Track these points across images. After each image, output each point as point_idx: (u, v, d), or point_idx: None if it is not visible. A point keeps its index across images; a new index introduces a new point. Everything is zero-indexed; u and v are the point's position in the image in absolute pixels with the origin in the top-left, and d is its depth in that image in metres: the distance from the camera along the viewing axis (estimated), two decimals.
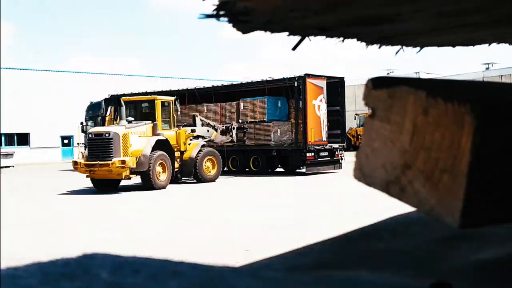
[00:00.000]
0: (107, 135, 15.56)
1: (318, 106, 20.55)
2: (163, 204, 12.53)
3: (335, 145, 21.29)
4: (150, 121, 16.76)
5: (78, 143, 33.61)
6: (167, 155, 16.36)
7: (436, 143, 1.07)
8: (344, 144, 22.13)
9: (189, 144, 17.73)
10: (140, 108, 17.78)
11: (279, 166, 21.89)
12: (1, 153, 33.03)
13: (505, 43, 2.18)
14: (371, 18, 1.56)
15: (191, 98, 24.06)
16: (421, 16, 1.58)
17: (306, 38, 1.67)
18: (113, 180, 15.93)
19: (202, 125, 19.05)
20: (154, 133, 16.43)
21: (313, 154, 20.31)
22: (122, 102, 17.41)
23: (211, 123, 19.85)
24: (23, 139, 43.23)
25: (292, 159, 20.87)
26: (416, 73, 48.69)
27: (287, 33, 1.61)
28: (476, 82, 1.45)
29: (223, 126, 19.88)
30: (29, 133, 43.44)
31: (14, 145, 42.37)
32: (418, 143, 1.10)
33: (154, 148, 15.89)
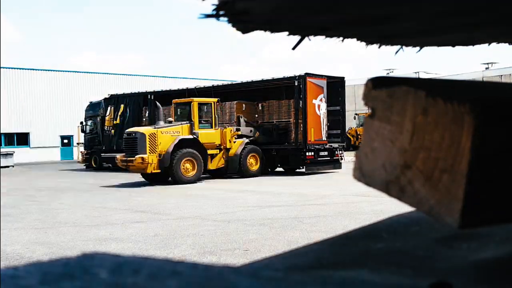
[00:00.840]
0: (133, 134, 17.83)
1: (318, 105, 20.55)
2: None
3: (335, 145, 21.28)
4: (186, 122, 18.59)
5: (78, 143, 33.63)
6: (198, 153, 17.99)
7: (435, 143, 1.07)
8: (344, 144, 22.13)
9: (234, 142, 19.55)
10: (183, 109, 19.52)
11: (279, 165, 21.89)
12: (1, 153, 33.01)
13: (505, 43, 2.18)
14: (371, 18, 1.56)
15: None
16: (420, 16, 1.58)
17: (306, 38, 1.67)
18: (161, 173, 17.72)
19: (246, 125, 20.92)
20: (190, 132, 18.33)
21: (313, 153, 20.31)
22: (158, 104, 19.48)
23: (255, 124, 21.62)
24: (22, 139, 43.23)
25: (292, 158, 20.87)
26: (415, 73, 48.69)
27: (287, 33, 1.61)
28: (476, 82, 1.45)
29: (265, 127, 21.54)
30: (29, 133, 43.44)
31: (14, 145, 42.38)
32: (417, 143, 1.10)
33: (180, 147, 17.67)
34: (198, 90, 24.38)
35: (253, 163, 19.92)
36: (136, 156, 17.32)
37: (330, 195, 13.15)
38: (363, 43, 1.88)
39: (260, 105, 22.44)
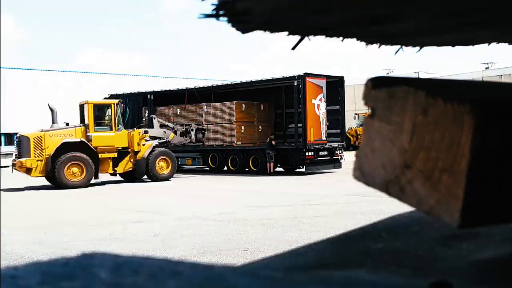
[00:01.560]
0: (19, 137, 17.84)
1: (317, 105, 20.54)
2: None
3: (335, 145, 21.28)
4: (80, 125, 18.31)
5: None
6: (86, 156, 17.49)
7: (435, 143, 1.07)
8: (343, 144, 22.12)
9: (144, 145, 19.00)
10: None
11: (279, 165, 21.89)
12: (0, 153, 33.00)
13: (505, 42, 2.18)
14: (370, 17, 1.56)
15: (191, 98, 24.09)
16: (420, 16, 1.58)
17: (306, 38, 1.67)
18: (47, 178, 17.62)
19: (161, 126, 20.34)
20: (84, 135, 17.95)
21: (312, 153, 20.31)
22: (52, 106, 18.60)
23: (170, 125, 20.96)
24: None
25: (291, 158, 20.87)
26: (415, 72, 48.67)
27: (286, 32, 1.61)
28: (476, 82, 1.45)
29: (183, 127, 20.95)
30: None
31: (14, 144, 42.37)
32: (417, 143, 1.10)
33: (65, 150, 17.24)
34: (198, 90, 24.36)
35: (163, 167, 19.36)
36: (17, 160, 17.39)
37: (330, 195, 13.15)
38: (363, 43, 1.88)
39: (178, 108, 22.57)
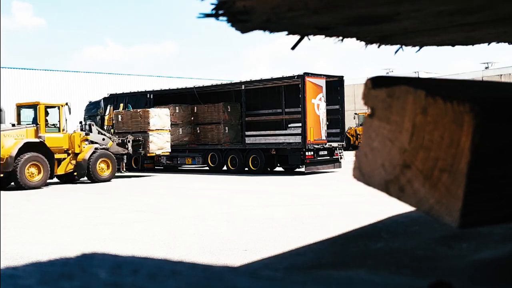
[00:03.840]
0: None
1: (317, 105, 20.53)
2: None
3: (335, 144, 21.27)
4: (32, 125, 18.35)
5: None
6: (44, 157, 17.63)
7: (435, 143, 1.07)
8: (343, 143, 22.11)
9: (84, 147, 19.38)
10: (36, 112, 19.04)
11: (278, 165, 21.89)
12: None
13: (505, 42, 2.18)
14: (370, 17, 1.55)
15: (191, 98, 24.07)
16: (420, 16, 1.58)
17: (305, 38, 1.67)
18: (3, 178, 17.41)
19: (99, 133, 20.86)
20: (36, 135, 18.07)
21: (312, 153, 20.30)
22: (1, 106, 18.91)
23: (107, 134, 21.44)
24: None
25: (291, 158, 20.86)
26: (415, 72, 48.69)
27: (286, 32, 1.61)
28: (475, 82, 1.45)
29: (119, 139, 21.35)
30: None
31: None
32: (417, 143, 1.10)
33: (24, 150, 17.26)
34: (197, 90, 24.34)
35: (104, 168, 19.64)
36: None
37: (330, 194, 13.15)
38: (362, 42, 1.87)
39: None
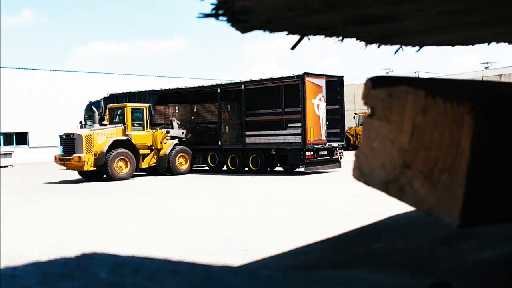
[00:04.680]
0: (71, 136, 20.35)
1: (317, 105, 20.52)
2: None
3: (335, 144, 21.26)
4: (120, 125, 21.00)
5: None
6: (130, 153, 20.27)
7: (435, 143, 1.07)
8: (343, 143, 22.10)
9: (165, 143, 21.81)
10: (122, 113, 21.75)
11: (278, 165, 21.89)
12: (0, 153, 33.02)
13: (505, 42, 2.18)
14: (370, 17, 1.55)
15: (191, 98, 24.02)
16: (420, 16, 1.58)
17: (305, 38, 1.67)
18: (95, 171, 20.09)
19: (179, 127, 22.98)
20: (123, 134, 20.74)
21: (312, 153, 20.30)
22: (94, 108, 22.19)
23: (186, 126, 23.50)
24: (21, 138, 43.20)
25: (291, 158, 20.85)
26: (415, 72, 48.67)
27: (286, 32, 1.61)
28: (476, 82, 1.45)
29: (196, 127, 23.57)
30: (27, 133, 43.41)
31: (13, 144, 42.36)
32: (417, 143, 1.10)
33: (114, 147, 19.97)
34: (197, 89, 24.35)
35: (182, 162, 22.14)
36: (73, 155, 19.68)
37: (330, 194, 13.15)
38: (362, 42, 1.87)
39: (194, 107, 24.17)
